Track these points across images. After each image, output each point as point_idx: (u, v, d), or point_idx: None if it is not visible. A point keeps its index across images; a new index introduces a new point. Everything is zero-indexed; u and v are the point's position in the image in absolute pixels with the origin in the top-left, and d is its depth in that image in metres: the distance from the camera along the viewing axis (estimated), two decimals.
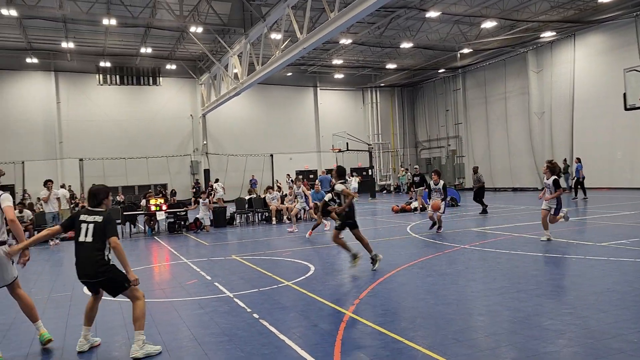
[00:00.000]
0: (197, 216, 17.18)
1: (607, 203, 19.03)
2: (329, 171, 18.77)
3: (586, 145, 26.99)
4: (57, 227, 5.48)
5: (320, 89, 38.64)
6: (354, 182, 28.69)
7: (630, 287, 6.70)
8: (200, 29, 24.48)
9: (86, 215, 5.12)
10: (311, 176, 35.55)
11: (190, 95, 34.84)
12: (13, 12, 21.86)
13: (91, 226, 5.02)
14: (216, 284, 8.24)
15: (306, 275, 8.55)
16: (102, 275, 5.01)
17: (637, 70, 15.50)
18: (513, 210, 18.20)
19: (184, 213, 17.16)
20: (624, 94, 15.29)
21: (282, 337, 5.33)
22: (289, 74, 35.72)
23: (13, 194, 28.40)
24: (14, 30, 25.85)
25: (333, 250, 10.96)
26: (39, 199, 18.81)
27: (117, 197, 30.55)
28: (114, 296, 5.24)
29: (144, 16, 24.13)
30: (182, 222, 16.97)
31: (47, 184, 15.28)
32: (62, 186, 23.87)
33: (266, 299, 7.12)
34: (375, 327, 5.52)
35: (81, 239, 5.05)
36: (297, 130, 37.67)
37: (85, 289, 6.96)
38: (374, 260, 8.72)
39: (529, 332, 5.11)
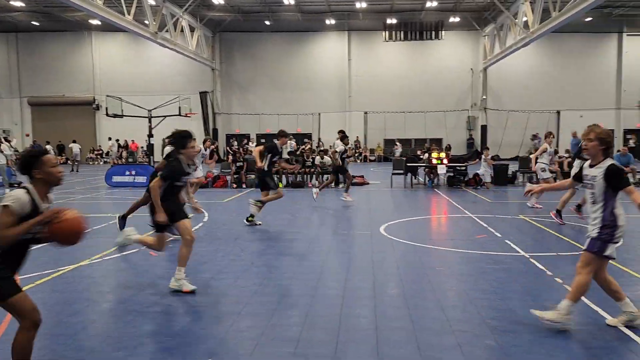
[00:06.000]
0: (478, 172, 16.91)
1: None
2: None
3: None
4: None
5: (628, 35, 32.77)
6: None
7: None
8: None
9: None
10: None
11: (471, 49, 33.86)
12: None
13: None
14: (507, 241, 7.99)
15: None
16: None
17: None
18: None
19: (464, 168, 17.09)
20: None
21: (595, 308, 4.86)
22: (588, 19, 31.22)
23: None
24: None
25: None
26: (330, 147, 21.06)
27: (394, 148, 32.43)
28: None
29: None
30: (462, 177, 16.95)
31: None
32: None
33: (567, 265, 6.59)
34: None
35: None
36: (591, 85, 33.01)
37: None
38: None
39: None
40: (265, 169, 9.69)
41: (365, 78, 34.27)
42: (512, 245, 7.72)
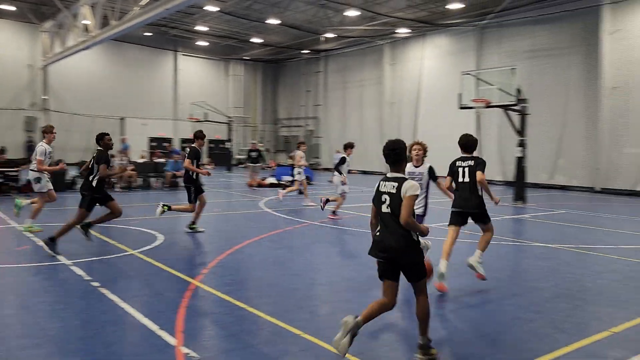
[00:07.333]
0: (28, 178, 15.50)
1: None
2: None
3: (428, 137, 29.57)
4: None
5: (181, 55, 36.97)
6: None
7: None
8: None
9: None
10: (165, 144, 34.07)
11: (29, 43, 30.89)
12: None
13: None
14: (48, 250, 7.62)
15: (154, 245, 8.33)
16: None
17: (471, 75, 17.51)
18: (363, 192, 19.48)
19: (16, 173, 15.41)
20: (459, 94, 17.22)
21: (122, 304, 5.19)
22: (148, 33, 33.51)
23: None
24: None
25: (183, 220, 10.73)
26: None
27: None
28: None
29: None
30: (14, 183, 15.23)
31: None
32: None
33: (107, 268, 6.85)
34: (221, 295, 5.64)
35: None
36: (153, 95, 35.63)
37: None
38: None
39: (363, 300, 5.66)
40: None
41: None
42: (53, 253, 7.39)
